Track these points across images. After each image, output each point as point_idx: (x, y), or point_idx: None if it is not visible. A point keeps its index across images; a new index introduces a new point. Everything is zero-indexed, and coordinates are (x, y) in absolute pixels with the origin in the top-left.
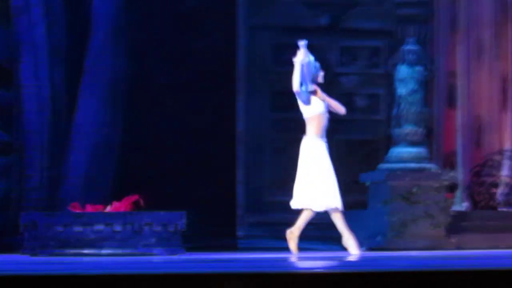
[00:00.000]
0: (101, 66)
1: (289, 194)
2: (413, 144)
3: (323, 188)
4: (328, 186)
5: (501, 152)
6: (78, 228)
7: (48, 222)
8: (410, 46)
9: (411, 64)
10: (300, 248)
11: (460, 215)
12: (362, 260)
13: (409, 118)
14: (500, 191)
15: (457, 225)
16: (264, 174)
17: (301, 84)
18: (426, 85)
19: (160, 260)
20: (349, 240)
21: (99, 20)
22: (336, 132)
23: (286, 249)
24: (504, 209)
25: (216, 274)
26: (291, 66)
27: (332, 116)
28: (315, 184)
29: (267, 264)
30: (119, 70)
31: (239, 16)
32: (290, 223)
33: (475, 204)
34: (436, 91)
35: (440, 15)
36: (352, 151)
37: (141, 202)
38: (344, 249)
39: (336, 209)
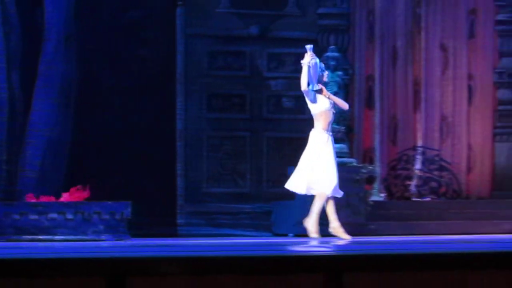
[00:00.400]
0: (54, 71)
1: (224, 185)
2: (335, 141)
3: (322, 176)
4: (326, 174)
5: (414, 148)
6: (34, 216)
7: (6, 211)
8: (331, 53)
9: (333, 69)
10: (235, 235)
11: (378, 205)
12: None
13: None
14: (413, 183)
15: (375, 214)
16: (202, 168)
17: (308, 84)
18: (346, 88)
19: (107, 245)
20: (337, 227)
21: (51, 28)
22: (266, 130)
23: (221, 235)
24: (417, 200)
25: (158, 258)
26: (224, 70)
27: (262, 115)
28: (317, 171)
29: (204, 249)
30: (70, 74)
31: (178, 26)
32: (225, 212)
33: (391, 195)
34: (356, 93)
35: (358, 25)
36: (281, 147)
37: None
38: (331, 235)
39: (330, 197)
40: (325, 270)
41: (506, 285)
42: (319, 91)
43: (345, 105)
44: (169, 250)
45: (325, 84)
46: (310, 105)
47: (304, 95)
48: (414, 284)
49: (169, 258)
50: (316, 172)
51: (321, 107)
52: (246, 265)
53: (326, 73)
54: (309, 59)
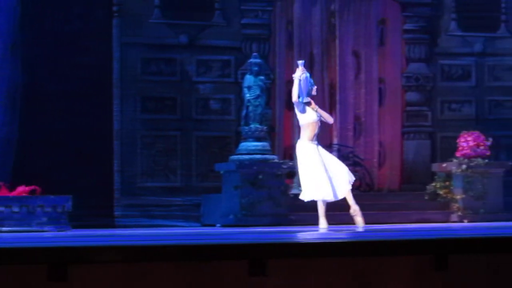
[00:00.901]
0: (1, 76)
1: (157, 180)
2: (258, 139)
3: (312, 182)
4: (315, 181)
5: (330, 145)
6: None
7: None
8: (254, 60)
9: (255, 74)
10: (167, 226)
11: (298, 197)
12: (218, 234)
13: (255, 118)
14: None
15: (296, 205)
16: (136, 164)
17: (298, 96)
18: (268, 91)
19: (50, 235)
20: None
21: None
22: (195, 129)
23: (155, 226)
24: None
25: (97, 247)
26: (157, 76)
27: (192, 116)
28: (309, 180)
29: (139, 239)
30: (16, 79)
31: (114, 35)
32: (158, 204)
33: None
34: (277, 96)
35: (278, 34)
36: (209, 145)
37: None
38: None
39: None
40: (249, 257)
41: (413, 269)
42: (308, 104)
43: (330, 119)
44: (106, 240)
45: (310, 95)
46: (299, 116)
47: (294, 106)
48: (329, 269)
49: (106, 247)
50: (310, 180)
51: (309, 118)
52: (177, 253)
53: (315, 87)
54: (300, 73)
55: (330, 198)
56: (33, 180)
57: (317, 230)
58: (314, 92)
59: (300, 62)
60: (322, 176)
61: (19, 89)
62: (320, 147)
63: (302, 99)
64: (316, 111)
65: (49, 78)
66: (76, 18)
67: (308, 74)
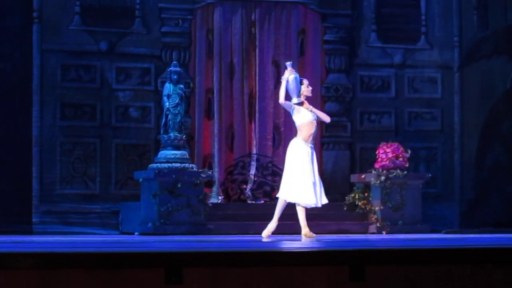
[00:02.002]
0: None
1: (75, 187)
2: (177, 148)
3: (298, 186)
4: (303, 185)
5: (249, 155)
6: None
7: None
8: (174, 68)
9: (175, 83)
10: (86, 233)
11: (216, 206)
12: (135, 242)
13: (174, 127)
14: (249, 187)
15: (214, 214)
16: (55, 171)
17: (290, 98)
18: (188, 99)
19: None
20: (304, 229)
21: None
22: (114, 137)
23: (73, 233)
24: (252, 202)
25: (13, 253)
26: (76, 82)
27: (111, 124)
28: (293, 181)
29: (56, 245)
30: None
31: (34, 41)
32: (77, 211)
33: (228, 197)
34: (197, 105)
35: (199, 43)
36: (128, 153)
37: None
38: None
39: (300, 205)
40: (166, 265)
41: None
42: (300, 104)
43: (327, 118)
44: (23, 246)
45: (303, 98)
46: (294, 117)
47: (285, 108)
48: (245, 278)
49: (23, 254)
50: (295, 183)
51: (303, 119)
52: (94, 261)
53: (310, 88)
54: (287, 75)
55: (313, 203)
56: None
57: (234, 239)
58: (308, 93)
59: (288, 63)
60: (307, 180)
61: None
62: (313, 151)
63: (297, 100)
64: (311, 111)
65: None
66: None
67: (297, 75)
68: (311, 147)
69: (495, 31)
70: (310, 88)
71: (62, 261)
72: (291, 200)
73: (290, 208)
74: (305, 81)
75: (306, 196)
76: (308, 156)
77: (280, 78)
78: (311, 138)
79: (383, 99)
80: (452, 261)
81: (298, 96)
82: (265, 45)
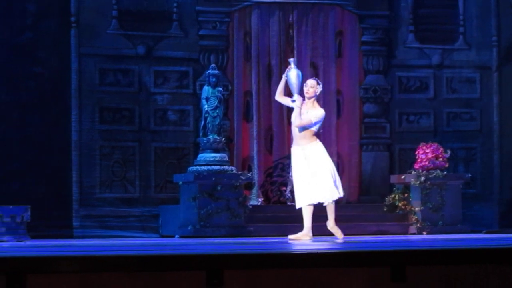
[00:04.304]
0: None
1: (115, 191)
2: (216, 150)
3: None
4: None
5: (288, 157)
6: None
7: None
8: (211, 71)
9: (213, 86)
10: (125, 236)
11: (256, 208)
12: (176, 245)
13: (213, 129)
14: (288, 189)
15: (254, 217)
16: (95, 175)
17: (290, 95)
18: (226, 102)
19: (8, 245)
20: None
21: None
22: (153, 140)
23: (113, 237)
24: (292, 204)
25: (54, 257)
26: (114, 86)
27: (150, 127)
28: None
29: (96, 249)
30: None
31: (72, 45)
32: (117, 215)
33: (268, 199)
34: (235, 107)
35: (236, 45)
36: (167, 156)
37: None
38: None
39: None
40: (207, 268)
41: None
42: (293, 101)
43: (295, 122)
44: (64, 250)
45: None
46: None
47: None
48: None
49: (64, 257)
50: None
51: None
52: (134, 264)
53: (319, 86)
54: (289, 71)
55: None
56: None
57: (274, 241)
58: (308, 94)
59: (290, 59)
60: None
61: None
62: (298, 153)
63: (297, 97)
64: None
65: (6, 88)
66: (32, 28)
67: (299, 72)
68: (300, 148)
69: None
70: (314, 89)
71: (103, 264)
72: (313, 201)
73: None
74: (308, 81)
75: (318, 194)
76: (296, 157)
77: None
78: (294, 139)
79: (422, 100)
80: (492, 261)
81: (298, 93)
82: (302, 47)
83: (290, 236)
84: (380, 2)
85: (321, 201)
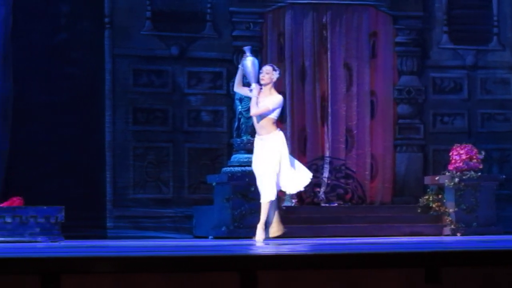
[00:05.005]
0: None
1: (149, 191)
2: (250, 151)
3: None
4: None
5: (322, 158)
6: None
7: None
8: None
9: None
10: (159, 237)
11: (290, 210)
12: (209, 246)
13: (246, 130)
14: (322, 190)
15: (287, 218)
16: (128, 176)
17: (249, 84)
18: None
19: (43, 246)
20: (271, 227)
21: None
22: (186, 141)
23: (146, 237)
24: (326, 205)
25: (88, 258)
26: (148, 87)
27: (183, 128)
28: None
29: (130, 250)
30: (8, 91)
31: (106, 46)
32: (150, 216)
33: (302, 200)
34: None
35: (270, 46)
36: (200, 157)
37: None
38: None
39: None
40: (240, 268)
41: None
42: (250, 90)
43: (253, 110)
44: (98, 251)
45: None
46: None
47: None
48: (319, 281)
49: (98, 258)
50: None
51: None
52: (168, 264)
53: (268, 75)
54: (244, 61)
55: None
56: (25, 191)
57: (308, 242)
58: (264, 81)
59: (246, 48)
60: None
61: (10, 100)
62: (258, 143)
63: (255, 86)
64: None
65: (40, 89)
66: (66, 29)
67: (255, 59)
68: (260, 139)
69: None
70: (269, 75)
71: (137, 265)
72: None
73: (360, 210)
74: (264, 68)
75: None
76: (257, 148)
77: (352, 81)
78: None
79: (456, 101)
80: None
81: (257, 82)
82: (336, 48)
83: (257, 237)
84: (414, 3)
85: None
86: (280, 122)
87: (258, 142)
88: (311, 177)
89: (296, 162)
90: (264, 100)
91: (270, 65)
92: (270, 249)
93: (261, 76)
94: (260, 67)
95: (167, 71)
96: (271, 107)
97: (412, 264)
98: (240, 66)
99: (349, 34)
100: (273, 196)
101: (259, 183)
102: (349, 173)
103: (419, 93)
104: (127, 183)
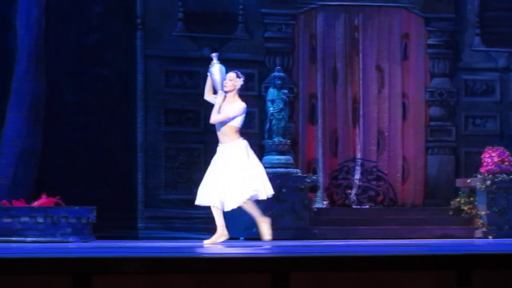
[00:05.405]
0: (25, 88)
1: (180, 192)
2: (281, 153)
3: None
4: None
5: (354, 160)
6: (7, 220)
7: None
8: (277, 73)
9: (279, 88)
10: (190, 238)
11: (321, 211)
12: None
13: (278, 132)
14: (353, 192)
15: (319, 219)
16: (160, 176)
17: (216, 91)
18: (291, 105)
19: (74, 246)
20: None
21: (23, 49)
22: (213, 143)
23: (178, 238)
24: (357, 207)
25: (120, 258)
26: (180, 88)
27: (214, 129)
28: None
29: (161, 250)
30: (40, 91)
31: (138, 47)
32: (182, 217)
33: (333, 202)
34: (300, 110)
35: (302, 48)
36: None
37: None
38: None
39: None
40: (272, 270)
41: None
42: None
43: (213, 117)
44: (130, 251)
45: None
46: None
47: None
48: (351, 283)
49: (129, 258)
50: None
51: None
52: (198, 265)
53: (231, 82)
54: (212, 68)
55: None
56: (56, 191)
57: (340, 244)
58: (227, 88)
59: (213, 54)
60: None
61: (43, 101)
62: (220, 151)
63: (221, 93)
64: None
65: (72, 90)
66: (98, 30)
67: (222, 66)
68: (222, 146)
69: None
70: (232, 82)
71: (168, 266)
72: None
73: (391, 212)
74: (227, 74)
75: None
76: (217, 156)
77: (384, 83)
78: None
79: (488, 103)
80: None
81: (222, 89)
82: (368, 50)
83: (205, 242)
84: (446, 5)
85: (209, 205)
86: (311, 124)
87: (220, 149)
88: (270, 195)
89: (263, 174)
90: (227, 107)
91: (235, 72)
92: (301, 250)
93: (224, 82)
94: (226, 73)
95: (199, 72)
96: (231, 115)
97: (443, 267)
98: (207, 73)
99: (381, 36)
100: (235, 204)
101: (221, 190)
102: (381, 175)
103: (451, 96)
104: (158, 183)
